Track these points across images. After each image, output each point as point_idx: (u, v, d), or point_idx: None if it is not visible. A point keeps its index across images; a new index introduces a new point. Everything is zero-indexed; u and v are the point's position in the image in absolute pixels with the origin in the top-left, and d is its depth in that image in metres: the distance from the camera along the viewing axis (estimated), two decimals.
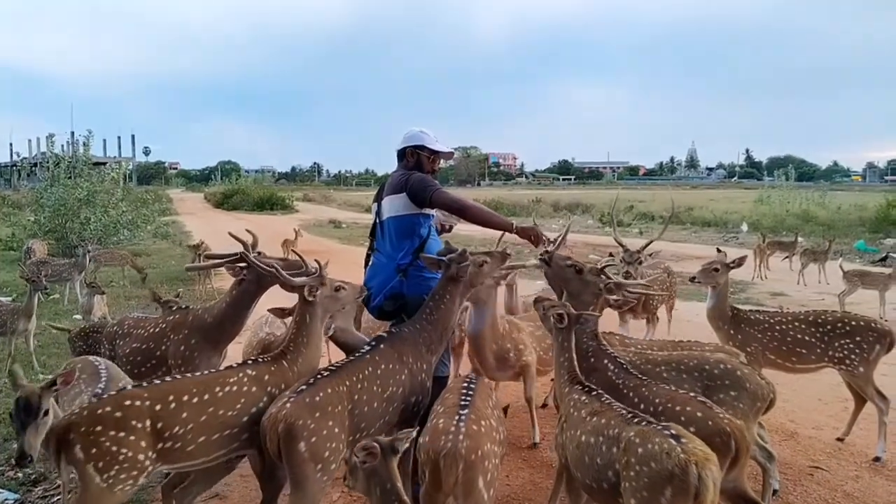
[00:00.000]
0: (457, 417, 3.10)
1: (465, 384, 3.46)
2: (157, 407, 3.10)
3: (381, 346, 3.70)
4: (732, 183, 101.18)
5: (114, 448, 2.97)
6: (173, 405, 3.14)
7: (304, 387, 3.26)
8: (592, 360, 3.74)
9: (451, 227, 5.53)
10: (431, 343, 3.86)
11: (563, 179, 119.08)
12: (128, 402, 3.07)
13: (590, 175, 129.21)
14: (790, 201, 31.24)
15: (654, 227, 26.39)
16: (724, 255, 5.68)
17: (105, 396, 3.19)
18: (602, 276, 4.07)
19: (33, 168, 32.18)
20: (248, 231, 4.74)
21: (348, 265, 7.77)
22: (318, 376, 3.36)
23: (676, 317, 8.32)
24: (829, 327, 4.87)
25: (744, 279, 13.04)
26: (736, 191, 63.27)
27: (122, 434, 2.99)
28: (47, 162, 18.91)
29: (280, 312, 4.11)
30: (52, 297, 10.98)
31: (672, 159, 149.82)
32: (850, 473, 4.71)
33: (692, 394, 3.42)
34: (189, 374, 3.55)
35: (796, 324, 4.95)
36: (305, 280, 3.73)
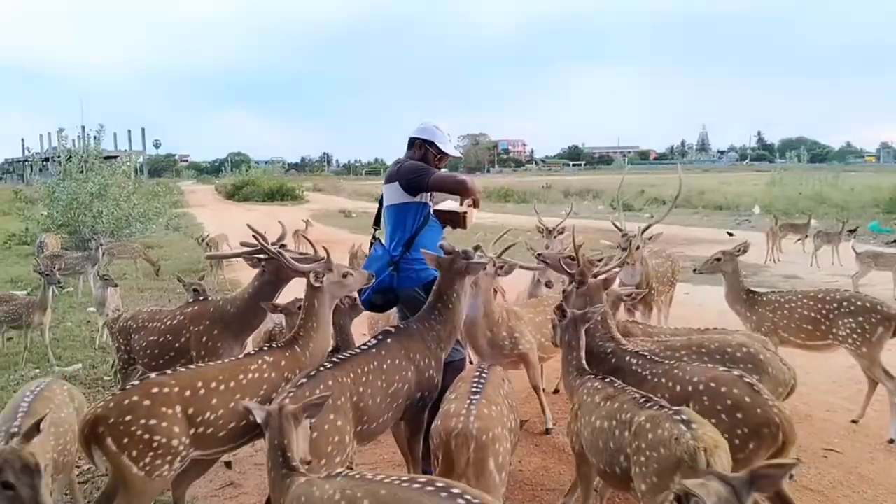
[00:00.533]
0: (468, 401, 3.13)
1: (478, 373, 3.48)
2: (187, 393, 3.16)
3: (388, 340, 3.69)
4: (744, 165, 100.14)
5: (146, 436, 3.01)
6: (202, 391, 3.20)
7: (304, 380, 3.26)
8: (613, 360, 3.70)
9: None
10: (440, 340, 3.83)
11: (574, 165, 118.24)
12: (155, 390, 3.10)
13: (600, 160, 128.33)
14: (803, 183, 30.89)
15: (665, 211, 26.09)
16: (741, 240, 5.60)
17: (129, 386, 3.23)
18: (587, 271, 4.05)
19: (45, 163, 32.39)
20: (279, 223, 4.99)
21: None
22: (321, 369, 3.36)
23: (687, 300, 8.28)
24: (834, 305, 4.90)
25: (756, 262, 12.82)
26: (748, 173, 62.51)
27: (153, 421, 3.03)
28: (59, 156, 19.08)
29: (272, 308, 4.25)
30: (66, 290, 11.08)
31: (683, 143, 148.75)
32: (865, 455, 4.68)
33: (737, 372, 3.27)
34: (211, 363, 3.62)
35: (804, 300, 5.02)
36: (311, 266, 3.77)
